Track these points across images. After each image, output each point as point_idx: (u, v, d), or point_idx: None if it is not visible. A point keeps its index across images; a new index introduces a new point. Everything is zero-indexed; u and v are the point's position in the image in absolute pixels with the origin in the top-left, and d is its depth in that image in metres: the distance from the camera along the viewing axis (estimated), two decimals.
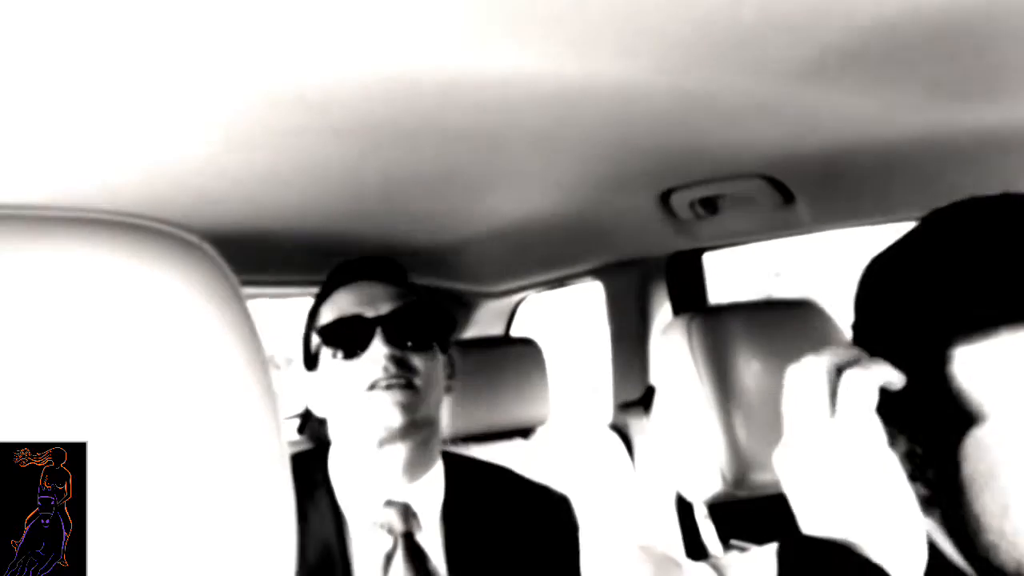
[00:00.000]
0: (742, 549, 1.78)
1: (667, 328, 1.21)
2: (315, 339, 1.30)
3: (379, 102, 1.01)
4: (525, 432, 1.99)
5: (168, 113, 1.02)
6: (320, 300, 1.34)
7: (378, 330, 1.25)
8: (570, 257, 1.97)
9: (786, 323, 1.23)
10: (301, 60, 0.88)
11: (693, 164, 1.42)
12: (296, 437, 2.08)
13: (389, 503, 1.27)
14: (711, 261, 2.06)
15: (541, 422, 1.97)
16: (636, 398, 2.03)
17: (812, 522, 0.70)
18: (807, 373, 0.71)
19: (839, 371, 0.70)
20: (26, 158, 1.16)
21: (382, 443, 1.24)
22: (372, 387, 1.23)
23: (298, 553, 1.24)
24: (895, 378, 0.70)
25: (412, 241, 1.93)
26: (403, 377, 1.24)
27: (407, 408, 1.23)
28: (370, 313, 1.26)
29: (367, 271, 1.33)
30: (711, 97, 1.06)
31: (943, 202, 1.01)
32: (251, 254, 1.81)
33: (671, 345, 1.18)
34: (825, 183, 1.40)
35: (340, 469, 1.31)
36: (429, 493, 1.29)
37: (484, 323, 2.35)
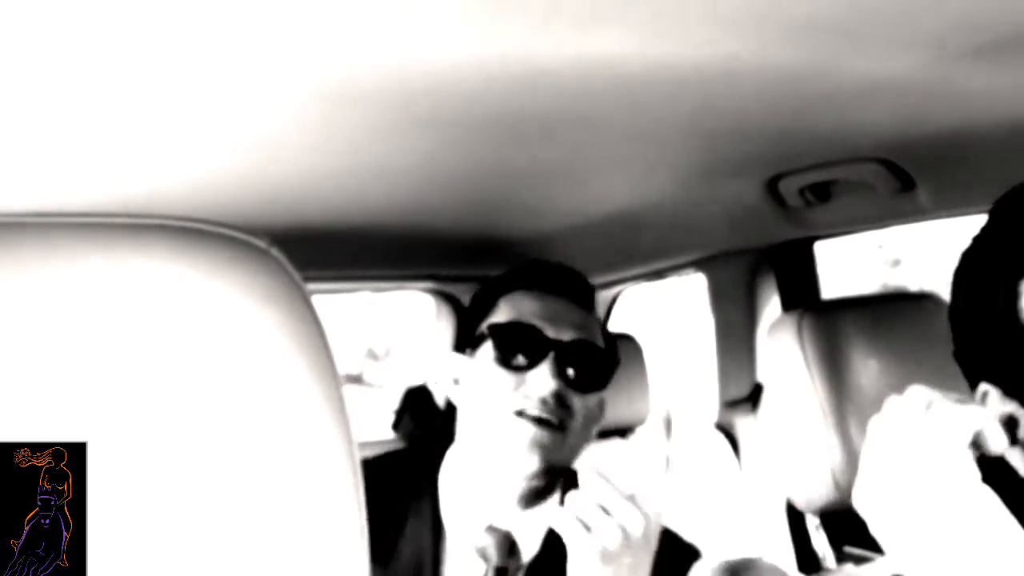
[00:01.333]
0: (857, 557, 1.69)
1: (775, 325, 1.13)
2: (481, 327, 1.23)
3: (470, 92, 0.98)
4: (623, 431, 1.93)
5: (248, 114, 1.00)
6: (499, 290, 1.26)
7: (551, 355, 1.16)
8: (671, 248, 1.90)
9: (905, 319, 1.14)
10: (385, 54, 0.85)
11: (803, 148, 1.35)
12: (391, 435, 2.07)
13: (491, 529, 1.19)
14: (824, 250, 1.96)
15: (640, 421, 1.91)
16: (743, 395, 1.95)
17: (907, 566, 0.65)
18: (893, 413, 0.70)
19: (928, 409, 0.68)
20: (94, 165, 1.16)
21: (507, 472, 1.16)
22: (520, 413, 1.14)
23: (388, 558, 1.21)
24: (984, 420, 0.67)
25: (508, 233, 1.90)
26: (557, 416, 1.15)
27: (548, 451, 1.14)
28: (550, 333, 1.18)
29: (557, 283, 1.24)
30: (822, 77, 0.99)
31: None
32: (349, 249, 1.82)
33: (780, 344, 1.11)
34: (947, 167, 1.30)
35: (452, 477, 1.24)
36: (537, 524, 1.20)
37: None
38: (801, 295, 1.93)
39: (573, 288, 1.24)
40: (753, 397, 1.87)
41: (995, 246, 0.76)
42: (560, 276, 1.25)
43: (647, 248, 1.94)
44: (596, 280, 2.16)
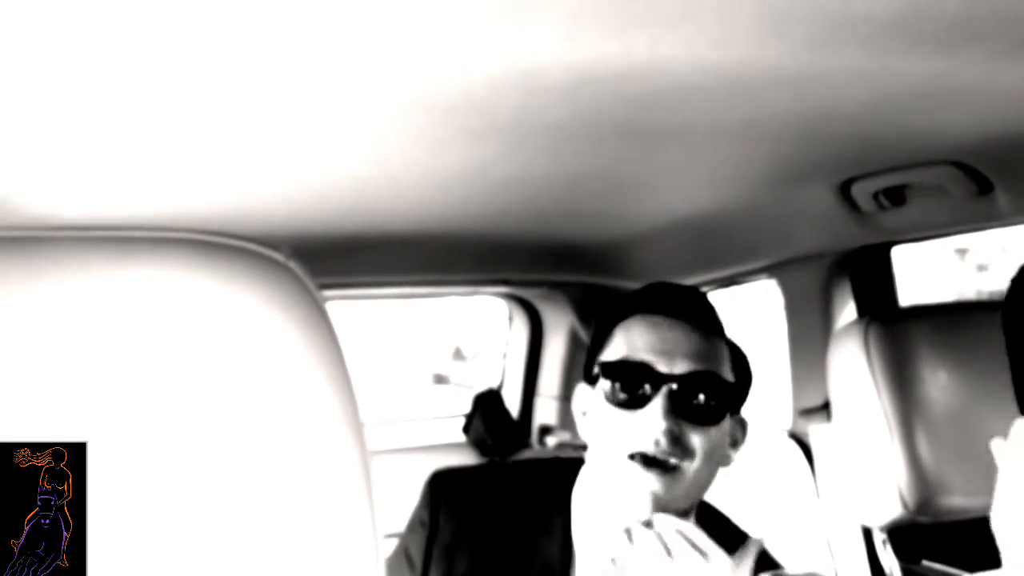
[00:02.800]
0: (932, 573, 1.63)
1: (842, 333, 1.10)
2: (597, 361, 1.18)
3: (541, 102, 0.98)
4: None
5: (308, 126, 1.02)
6: (616, 317, 1.20)
7: (663, 391, 1.10)
8: (744, 253, 1.87)
9: (978, 328, 1.09)
10: (455, 63, 0.85)
11: (875, 152, 1.32)
12: (461, 438, 2.08)
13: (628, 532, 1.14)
14: (905, 255, 1.90)
15: None
16: (818, 404, 1.90)
17: None
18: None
19: None
20: (118, 179, 1.19)
21: (624, 515, 1.12)
22: (632, 456, 1.10)
23: (514, 565, 1.17)
24: None
25: (579, 239, 1.90)
26: (671, 456, 1.09)
27: (661, 497, 1.09)
28: (662, 367, 1.11)
29: (675, 308, 1.16)
30: (890, 78, 0.96)
31: None
32: (427, 255, 1.85)
33: (846, 353, 1.08)
34: None
35: (583, 498, 1.22)
36: None
37: None
38: (877, 301, 1.87)
39: (692, 312, 1.16)
40: (827, 406, 1.82)
41: None
42: (678, 300, 1.18)
43: (720, 254, 1.91)
44: None
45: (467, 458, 1.73)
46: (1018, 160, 1.24)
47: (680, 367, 1.11)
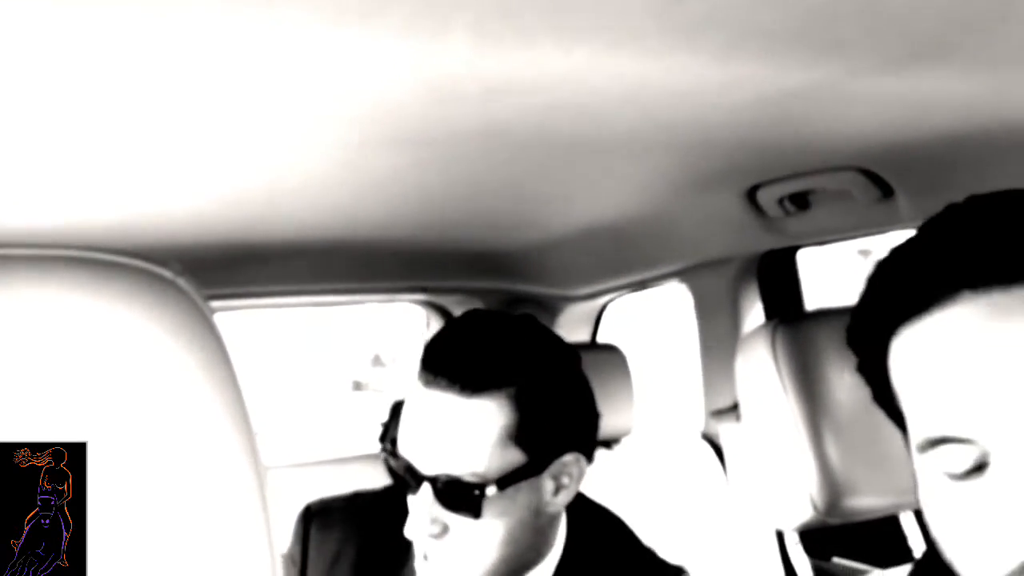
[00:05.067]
0: (843, 570, 1.68)
1: (749, 337, 1.12)
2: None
3: (451, 110, 0.96)
4: (608, 443, 1.92)
5: (218, 136, 0.99)
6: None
7: (424, 486, 1.02)
8: (655, 259, 1.89)
9: None
10: (364, 72, 0.83)
11: (780, 158, 1.34)
12: (377, 447, 2.05)
13: None
14: (811, 259, 1.95)
15: (626, 432, 1.90)
16: (728, 405, 1.93)
17: None
18: None
19: None
20: (26, 189, 1.15)
21: None
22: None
23: None
24: None
25: (494, 246, 1.90)
26: (442, 545, 1.03)
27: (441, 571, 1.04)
28: (420, 467, 1.02)
29: (439, 371, 1.02)
30: (798, 89, 0.98)
31: None
32: (344, 262, 1.83)
33: (753, 355, 1.09)
34: (927, 175, 1.28)
35: None
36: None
37: (569, 327, 2.29)
38: (784, 304, 1.92)
39: (458, 376, 1.00)
40: (737, 407, 1.86)
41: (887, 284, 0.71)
42: (444, 363, 1.02)
43: (631, 260, 1.93)
44: (583, 291, 2.16)
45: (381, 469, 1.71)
46: (917, 166, 1.28)
47: (432, 465, 1.01)
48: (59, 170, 1.08)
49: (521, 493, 1.02)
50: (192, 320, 0.44)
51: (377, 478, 1.26)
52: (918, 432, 0.68)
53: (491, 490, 1.00)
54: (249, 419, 0.45)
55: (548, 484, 1.04)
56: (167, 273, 0.45)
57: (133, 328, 0.43)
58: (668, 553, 1.18)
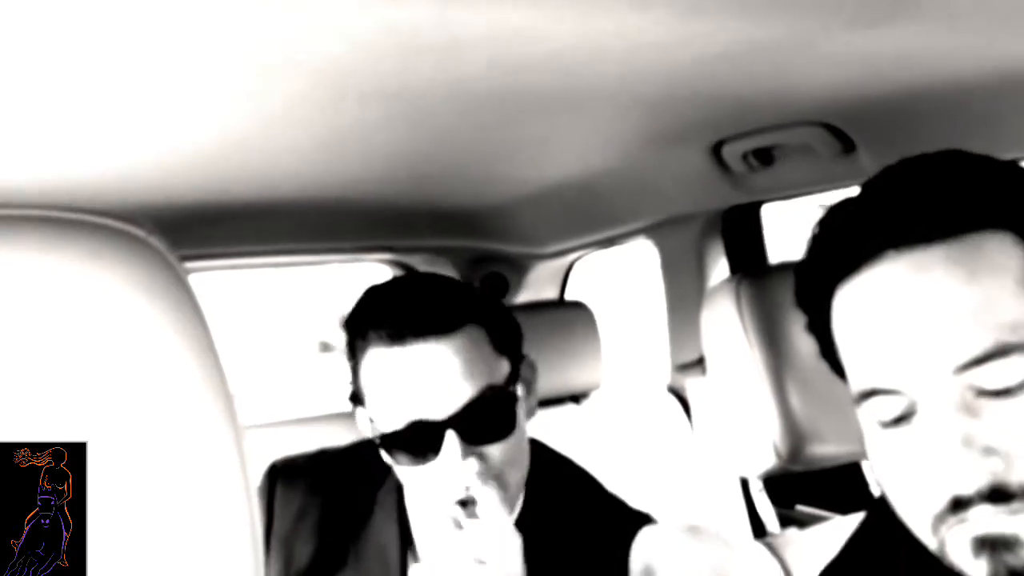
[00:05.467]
0: (804, 519, 1.72)
1: (714, 291, 1.13)
2: (364, 407, 1.09)
3: (413, 65, 0.96)
4: (577, 398, 1.94)
5: (185, 91, 0.98)
6: (354, 352, 1.07)
7: (446, 437, 1.01)
8: (621, 215, 1.90)
9: None
10: (327, 24, 0.82)
11: (744, 113, 1.35)
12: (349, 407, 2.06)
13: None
14: (774, 214, 1.97)
15: (594, 387, 1.92)
16: (693, 359, 1.96)
17: None
18: None
19: None
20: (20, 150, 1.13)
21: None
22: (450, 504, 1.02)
23: (355, 553, 1.15)
24: None
25: (459, 204, 1.90)
26: (486, 480, 1.02)
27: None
28: (437, 415, 1.01)
29: (405, 325, 1.02)
30: (759, 42, 0.98)
31: (1010, 147, 0.91)
32: (309, 222, 1.82)
33: (719, 309, 1.11)
34: (887, 130, 1.30)
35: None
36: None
37: (537, 286, 2.30)
38: (748, 258, 1.94)
39: (426, 322, 1.02)
40: (703, 360, 1.88)
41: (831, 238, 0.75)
42: (405, 315, 1.03)
43: (597, 217, 1.94)
44: (550, 248, 2.17)
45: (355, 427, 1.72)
46: (879, 121, 1.29)
47: (454, 403, 1.01)
48: (21, 128, 1.06)
49: (520, 400, 1.08)
50: (166, 279, 0.44)
51: (345, 436, 1.27)
52: (854, 385, 0.71)
53: (517, 389, 1.07)
54: (226, 380, 0.45)
55: (520, 389, 1.09)
56: (139, 232, 0.45)
57: (107, 288, 0.43)
58: (636, 502, 1.20)
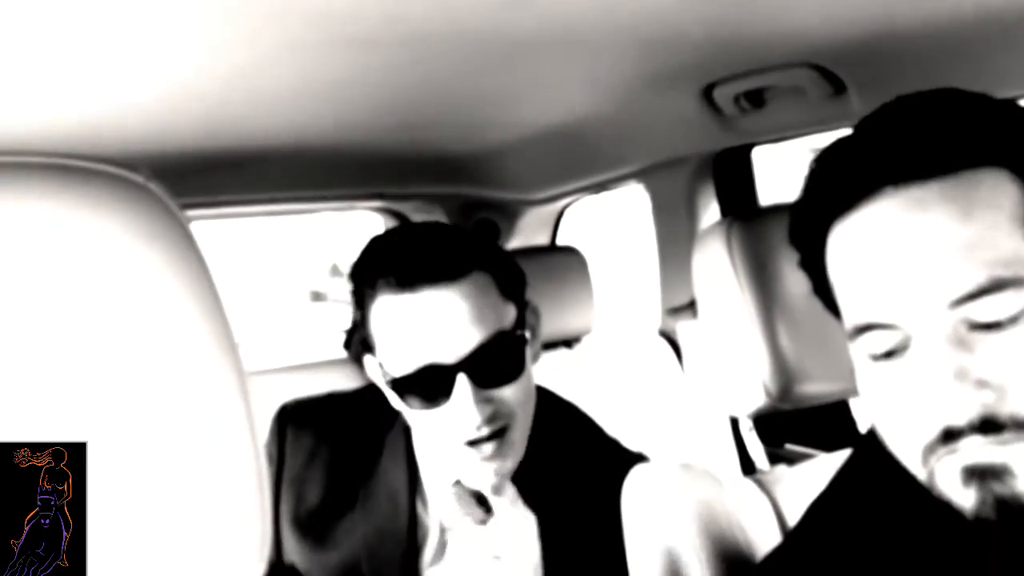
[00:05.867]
0: (793, 456, 1.74)
1: (705, 234, 1.14)
2: (375, 362, 1.11)
3: (402, 11, 0.95)
4: (569, 342, 1.96)
5: (175, 38, 0.97)
6: (362, 299, 1.08)
7: (457, 380, 1.03)
8: (612, 160, 1.90)
9: None
10: None
11: (735, 56, 1.34)
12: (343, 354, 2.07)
13: (458, 485, 1.16)
14: (765, 157, 1.97)
15: (586, 332, 1.93)
16: (684, 303, 1.97)
17: None
18: None
19: None
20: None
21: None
22: (462, 443, 1.06)
23: (364, 495, 1.19)
24: None
25: (450, 150, 1.89)
26: (496, 424, 1.06)
27: (503, 457, 1.08)
28: (448, 358, 1.03)
29: (419, 275, 1.04)
30: None
31: (1000, 86, 0.91)
32: (298, 170, 1.81)
33: (709, 252, 1.12)
34: (878, 71, 1.30)
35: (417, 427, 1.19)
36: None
37: (529, 231, 2.30)
38: (739, 201, 1.94)
39: (436, 270, 1.04)
40: (693, 304, 1.90)
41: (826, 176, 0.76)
42: (414, 263, 1.05)
43: (589, 161, 1.94)
44: (542, 194, 2.17)
45: (349, 374, 1.73)
46: (869, 62, 1.29)
47: (465, 345, 1.03)
48: (16, 73, 1.05)
49: (528, 366, 1.11)
50: (167, 226, 0.44)
51: (341, 383, 1.28)
52: (848, 320, 0.73)
53: (525, 333, 1.09)
54: (230, 326, 0.45)
55: (526, 333, 1.12)
56: (137, 178, 0.44)
57: (109, 235, 0.42)
58: (629, 443, 1.23)
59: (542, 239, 2.37)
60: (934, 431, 0.68)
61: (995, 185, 0.68)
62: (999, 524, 0.67)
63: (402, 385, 1.06)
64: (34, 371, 0.39)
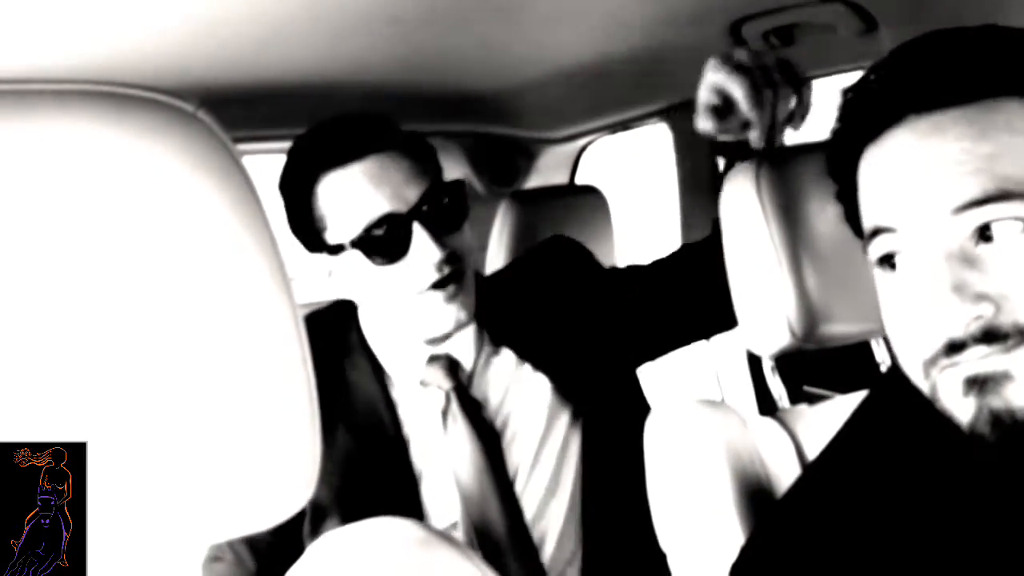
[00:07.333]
0: (813, 396, 1.75)
1: (734, 173, 1.13)
2: (334, 238, 1.21)
3: None
4: None
5: None
6: (305, 176, 1.21)
7: (415, 228, 1.16)
8: (635, 98, 1.88)
9: None
10: None
11: None
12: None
13: (433, 359, 1.26)
14: None
15: None
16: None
17: None
18: None
19: None
20: (42, 24, 1.11)
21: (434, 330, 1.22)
22: (423, 288, 1.18)
23: (343, 416, 1.25)
24: None
25: (470, 87, 1.87)
26: (454, 264, 1.19)
27: (464, 300, 1.20)
28: (401, 206, 1.16)
29: (365, 143, 1.19)
30: None
31: None
32: (325, 106, 1.79)
33: (737, 191, 1.11)
34: (909, 7, 1.27)
35: (375, 327, 1.29)
36: (467, 339, 1.28)
37: (548, 171, 2.29)
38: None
39: (372, 142, 1.19)
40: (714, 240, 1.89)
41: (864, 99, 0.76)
42: (361, 134, 1.20)
43: (612, 100, 1.91)
44: (562, 133, 2.15)
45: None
46: None
47: (413, 194, 1.16)
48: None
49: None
50: (218, 156, 0.43)
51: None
52: (865, 229, 0.74)
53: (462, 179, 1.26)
54: (281, 257, 0.44)
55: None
56: (187, 107, 0.44)
57: (160, 163, 0.42)
58: (649, 383, 1.23)
59: (561, 179, 2.35)
60: (937, 343, 0.69)
61: (1014, 111, 0.69)
62: (994, 441, 0.68)
63: (366, 243, 1.16)
64: (34, 370, 0.39)
